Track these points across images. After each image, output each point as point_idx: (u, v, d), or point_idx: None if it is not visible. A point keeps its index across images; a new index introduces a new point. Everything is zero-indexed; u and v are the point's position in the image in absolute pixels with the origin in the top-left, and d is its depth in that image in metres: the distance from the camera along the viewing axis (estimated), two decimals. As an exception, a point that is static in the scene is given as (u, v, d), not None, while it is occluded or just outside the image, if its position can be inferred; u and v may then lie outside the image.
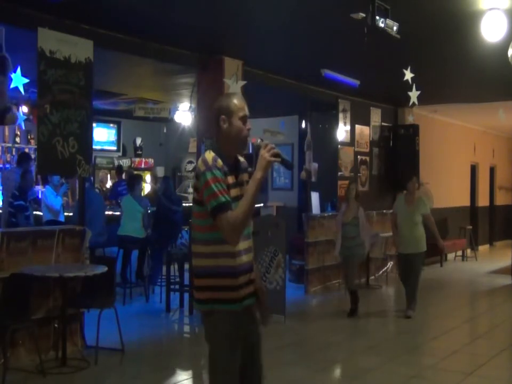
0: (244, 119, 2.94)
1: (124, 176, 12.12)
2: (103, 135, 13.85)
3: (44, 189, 8.82)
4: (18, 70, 6.16)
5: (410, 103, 7.62)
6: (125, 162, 14.18)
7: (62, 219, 8.77)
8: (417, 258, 7.98)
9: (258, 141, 2.89)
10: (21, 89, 6.43)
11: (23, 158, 9.44)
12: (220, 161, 2.86)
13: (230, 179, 2.89)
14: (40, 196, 9.54)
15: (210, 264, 2.92)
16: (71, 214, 8.81)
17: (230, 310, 2.91)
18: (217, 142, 2.98)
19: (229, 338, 2.93)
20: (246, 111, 2.97)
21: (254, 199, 2.82)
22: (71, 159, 5.91)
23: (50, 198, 8.57)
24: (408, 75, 6.94)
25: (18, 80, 6.17)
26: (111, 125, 14.09)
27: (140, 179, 9.47)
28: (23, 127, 9.19)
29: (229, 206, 2.79)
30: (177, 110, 11.42)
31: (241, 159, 3.06)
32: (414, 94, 7.51)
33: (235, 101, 2.96)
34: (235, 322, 2.93)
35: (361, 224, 7.99)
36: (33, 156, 11.10)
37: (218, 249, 2.89)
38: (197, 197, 2.90)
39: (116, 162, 13.89)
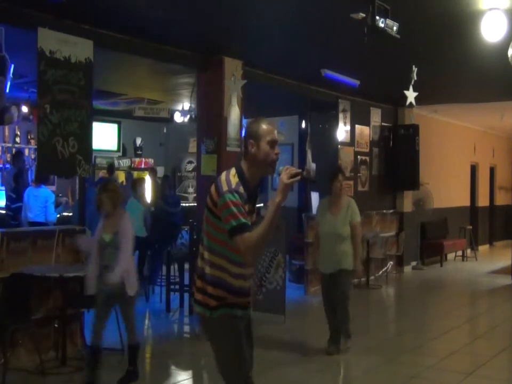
0: (272, 144, 2.96)
1: (115, 175, 12.07)
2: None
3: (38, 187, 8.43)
4: (12, 68, 6.15)
5: (407, 103, 7.61)
6: (125, 162, 14.18)
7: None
8: (343, 278, 6.09)
9: (280, 168, 2.90)
10: (6, 87, 6.41)
11: (15, 156, 9.45)
12: (242, 189, 2.89)
13: (247, 207, 2.93)
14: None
15: (216, 274, 2.99)
16: (71, 214, 8.82)
17: (230, 314, 3.01)
18: (242, 163, 3.01)
19: (237, 339, 3.03)
20: (275, 136, 2.99)
21: (273, 223, 2.83)
22: (71, 159, 5.91)
23: (52, 211, 8.38)
24: (413, 74, 6.95)
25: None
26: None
27: (142, 181, 9.58)
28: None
29: (248, 227, 2.83)
30: (177, 111, 11.44)
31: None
32: (411, 94, 7.50)
33: (263, 126, 2.98)
34: (237, 324, 3.03)
35: (124, 245, 5.08)
36: (33, 156, 11.12)
37: (224, 263, 2.97)
38: (213, 208, 2.92)
39: (116, 163, 13.89)
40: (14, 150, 11.62)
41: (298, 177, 2.82)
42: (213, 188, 2.94)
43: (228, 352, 3.04)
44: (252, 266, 3.07)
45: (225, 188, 2.87)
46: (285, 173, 2.82)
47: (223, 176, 2.94)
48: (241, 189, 2.89)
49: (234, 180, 2.91)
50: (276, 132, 3.01)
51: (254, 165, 2.97)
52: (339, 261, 6.05)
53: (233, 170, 2.96)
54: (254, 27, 6.70)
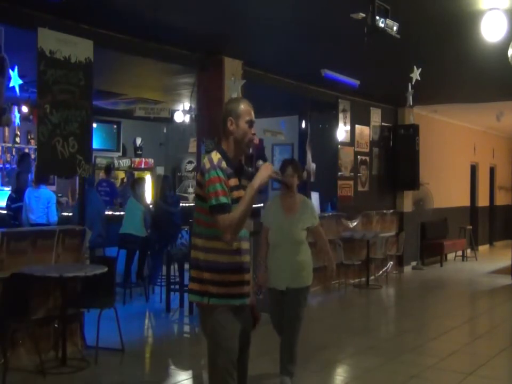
0: (249, 123, 3.11)
1: (112, 176, 12.10)
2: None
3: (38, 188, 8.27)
4: (16, 70, 6.17)
5: (408, 103, 7.60)
6: (125, 162, 14.19)
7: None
8: (299, 296, 4.96)
9: (260, 162, 3.08)
10: (17, 90, 6.43)
11: (22, 158, 9.42)
12: (224, 164, 3.02)
13: (233, 181, 3.04)
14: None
15: (211, 258, 3.04)
16: (70, 214, 8.81)
17: (227, 304, 3.03)
18: (223, 143, 3.14)
19: (227, 330, 3.03)
20: (252, 116, 3.14)
21: (250, 204, 2.96)
22: (71, 159, 5.91)
23: (54, 213, 8.31)
24: (415, 74, 6.93)
25: (15, 80, 6.16)
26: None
27: (141, 181, 9.60)
28: (17, 124, 9.05)
29: (228, 207, 2.93)
30: (178, 110, 11.44)
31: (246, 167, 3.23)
32: (410, 94, 7.49)
33: (242, 106, 3.12)
34: (232, 316, 3.04)
35: None
36: (33, 156, 11.11)
37: (219, 245, 3.01)
38: (201, 193, 3.04)
39: (116, 163, 13.93)
40: (19, 150, 11.63)
41: (279, 177, 3.11)
42: (198, 175, 3.09)
43: (217, 343, 3.04)
44: (244, 241, 3.11)
45: (208, 165, 3.01)
46: (269, 166, 3.03)
47: (205, 158, 3.09)
48: (223, 164, 3.02)
49: (216, 157, 3.05)
50: (253, 113, 3.15)
51: (233, 142, 3.11)
52: (297, 275, 4.94)
53: (214, 151, 3.12)
54: (254, 27, 6.70)
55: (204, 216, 3.04)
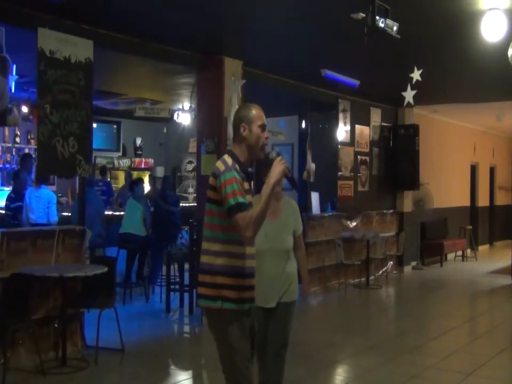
0: (262, 128, 3.16)
1: (107, 176, 12.15)
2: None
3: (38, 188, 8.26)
4: (14, 68, 6.17)
5: (405, 103, 7.60)
6: (125, 162, 14.21)
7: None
8: (290, 314, 4.10)
9: (274, 154, 3.13)
10: (12, 87, 6.41)
11: (23, 158, 9.42)
12: (238, 167, 3.07)
13: (246, 185, 3.09)
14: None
15: (224, 263, 3.05)
16: (70, 214, 8.81)
17: (237, 309, 3.04)
18: (234, 148, 3.18)
19: (241, 332, 3.06)
20: (264, 121, 3.19)
21: (268, 201, 2.99)
22: (71, 159, 5.91)
23: (54, 213, 8.29)
24: (416, 75, 6.92)
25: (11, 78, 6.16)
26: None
27: (139, 181, 9.60)
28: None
29: (246, 206, 2.96)
30: (178, 110, 11.44)
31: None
32: (409, 94, 7.48)
33: (254, 111, 3.18)
34: (243, 319, 3.07)
35: None
36: (33, 156, 11.11)
37: (233, 249, 3.05)
38: (216, 197, 3.05)
39: (116, 163, 13.94)
40: (19, 150, 11.64)
41: (289, 174, 3.14)
42: (210, 178, 3.08)
43: (232, 346, 3.05)
44: (251, 245, 3.13)
45: (222, 168, 3.04)
46: (282, 162, 3.08)
47: (218, 162, 3.12)
48: (237, 167, 3.07)
49: (229, 160, 3.09)
50: (264, 117, 3.20)
51: (246, 147, 3.15)
52: (285, 289, 4.06)
53: (225, 155, 3.15)
54: (254, 27, 6.70)
55: (219, 220, 3.04)
